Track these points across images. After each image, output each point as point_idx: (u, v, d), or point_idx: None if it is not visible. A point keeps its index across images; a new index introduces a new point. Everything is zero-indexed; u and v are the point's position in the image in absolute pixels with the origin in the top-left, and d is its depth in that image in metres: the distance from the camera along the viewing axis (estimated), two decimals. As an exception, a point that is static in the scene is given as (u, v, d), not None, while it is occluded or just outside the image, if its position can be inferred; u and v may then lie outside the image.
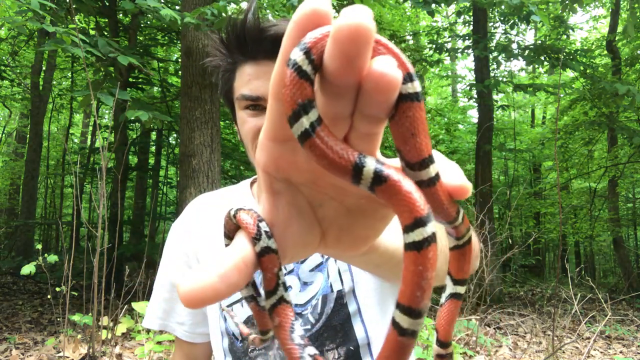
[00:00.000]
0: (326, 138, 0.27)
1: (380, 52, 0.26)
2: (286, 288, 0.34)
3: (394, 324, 0.28)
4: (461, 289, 0.39)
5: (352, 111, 0.28)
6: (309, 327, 0.86)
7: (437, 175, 0.29)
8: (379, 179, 0.27)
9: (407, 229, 0.26)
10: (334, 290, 0.87)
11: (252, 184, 1.04)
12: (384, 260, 0.51)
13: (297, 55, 0.26)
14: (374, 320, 0.88)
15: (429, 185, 0.29)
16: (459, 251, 0.37)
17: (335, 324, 0.86)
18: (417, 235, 0.26)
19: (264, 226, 0.32)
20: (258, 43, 0.80)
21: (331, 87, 0.26)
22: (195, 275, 0.28)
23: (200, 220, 1.03)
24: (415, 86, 0.27)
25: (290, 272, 0.90)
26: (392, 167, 0.27)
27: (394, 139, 0.28)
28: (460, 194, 0.31)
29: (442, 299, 0.39)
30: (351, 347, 0.86)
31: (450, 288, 0.39)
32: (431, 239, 0.26)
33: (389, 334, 0.28)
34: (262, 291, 0.35)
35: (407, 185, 0.26)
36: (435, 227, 0.27)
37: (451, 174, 0.32)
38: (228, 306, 0.92)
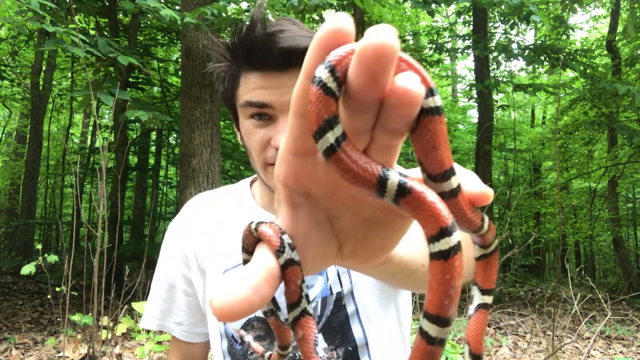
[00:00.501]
0: (351, 152, 0.27)
1: (402, 68, 0.27)
2: (309, 300, 0.34)
3: (422, 333, 0.28)
4: (489, 299, 0.39)
5: (373, 125, 0.29)
6: None
7: (458, 187, 0.30)
8: (403, 191, 0.27)
9: (433, 239, 0.27)
10: (334, 292, 0.88)
11: (251, 183, 1.04)
12: (399, 270, 0.51)
13: (322, 73, 0.27)
14: (372, 322, 0.88)
15: (451, 196, 0.30)
16: (485, 260, 0.38)
17: (334, 326, 0.87)
18: (443, 244, 0.27)
19: (286, 238, 0.32)
20: (267, 54, 0.77)
21: (354, 102, 0.27)
22: (228, 289, 0.28)
23: (199, 219, 1.02)
24: (437, 100, 0.27)
25: None
26: (415, 179, 0.28)
27: (415, 152, 0.29)
28: (482, 201, 0.32)
29: (471, 310, 0.39)
30: (349, 348, 0.86)
31: (478, 298, 0.39)
32: (457, 248, 0.27)
33: (418, 344, 0.29)
34: (282, 305, 0.35)
35: (431, 196, 0.27)
36: (460, 236, 0.27)
37: (471, 183, 0.32)
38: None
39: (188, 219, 1.03)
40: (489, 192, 0.32)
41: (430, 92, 0.27)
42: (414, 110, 0.26)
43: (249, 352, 0.90)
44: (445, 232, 0.27)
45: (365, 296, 0.88)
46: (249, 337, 0.70)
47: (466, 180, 0.32)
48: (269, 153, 0.82)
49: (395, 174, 0.28)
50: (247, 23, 0.79)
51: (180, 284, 1.01)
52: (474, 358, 0.39)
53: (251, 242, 0.35)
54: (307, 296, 0.34)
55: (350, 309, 0.87)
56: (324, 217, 0.35)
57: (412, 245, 0.52)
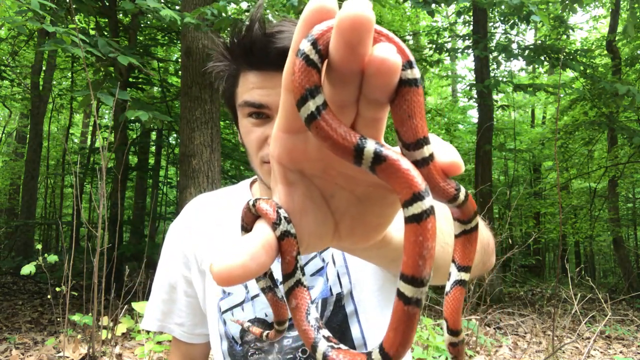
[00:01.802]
0: (330, 121, 0.29)
1: (381, 40, 0.29)
2: (303, 272, 0.36)
3: (399, 294, 0.29)
4: (465, 276, 0.40)
5: (357, 98, 0.30)
6: None
7: (431, 156, 0.31)
8: (379, 158, 0.29)
9: (407, 203, 0.28)
10: (334, 293, 0.88)
11: (251, 184, 1.04)
12: (398, 254, 0.51)
13: (305, 46, 0.28)
14: (370, 322, 0.89)
15: (423, 164, 0.31)
16: (465, 237, 0.39)
17: (334, 326, 0.87)
18: (416, 208, 0.28)
19: (282, 212, 0.34)
20: (264, 54, 0.78)
21: (337, 74, 0.28)
22: (227, 255, 0.29)
23: (199, 220, 1.02)
24: (415, 73, 0.29)
25: None
26: (391, 149, 0.29)
27: (394, 122, 0.30)
28: (453, 171, 0.33)
29: (447, 287, 0.40)
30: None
31: (454, 275, 0.40)
32: (430, 212, 0.28)
33: (395, 305, 0.30)
34: (279, 279, 0.36)
35: (405, 163, 0.29)
36: (432, 201, 0.28)
37: (444, 153, 0.33)
38: (228, 309, 0.92)
39: (188, 220, 1.03)
40: (459, 162, 0.33)
41: (409, 65, 0.28)
42: (392, 79, 0.27)
43: (250, 354, 0.90)
44: (418, 197, 0.28)
45: (365, 297, 0.89)
46: (247, 323, 0.72)
47: (439, 150, 0.33)
48: (266, 151, 0.83)
49: (372, 143, 0.29)
50: (246, 23, 0.79)
51: (181, 285, 1.02)
52: (452, 333, 0.40)
53: (250, 220, 0.36)
54: (302, 267, 0.35)
55: (349, 309, 0.88)
56: (319, 195, 0.36)
57: None
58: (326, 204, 0.36)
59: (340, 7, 0.27)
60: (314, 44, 0.28)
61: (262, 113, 0.82)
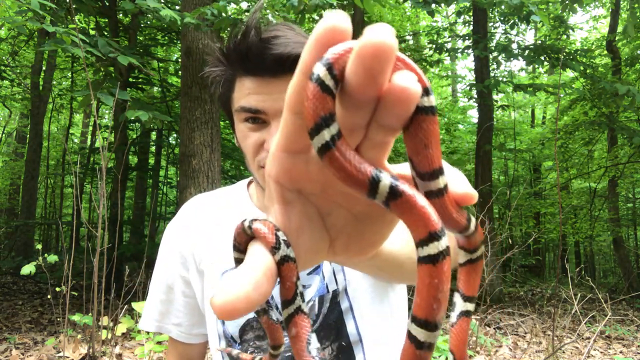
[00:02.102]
0: (345, 151, 0.28)
1: (399, 67, 0.27)
2: (304, 299, 0.34)
3: (411, 337, 0.28)
4: (471, 307, 0.38)
5: (368, 122, 0.29)
6: None
7: (445, 186, 0.30)
8: (394, 194, 0.28)
9: (422, 243, 0.27)
10: (330, 290, 0.89)
11: (248, 185, 1.04)
12: (387, 263, 0.52)
13: (320, 70, 0.27)
14: (365, 317, 0.90)
15: (437, 195, 0.30)
16: (470, 266, 0.38)
17: (330, 323, 0.88)
18: (432, 249, 0.27)
19: (281, 235, 0.32)
20: (260, 60, 0.79)
21: (352, 100, 0.27)
22: (228, 287, 0.28)
23: (197, 220, 1.02)
24: (431, 100, 0.28)
25: None
26: (406, 182, 0.28)
27: (407, 149, 0.29)
28: (466, 201, 0.32)
29: (453, 318, 0.39)
30: (343, 343, 0.88)
31: (460, 306, 0.39)
32: (446, 253, 0.27)
33: (406, 348, 0.29)
34: (277, 303, 0.35)
35: (421, 200, 0.28)
36: (448, 241, 0.27)
37: (457, 182, 0.33)
38: None
39: (186, 219, 1.04)
40: (473, 194, 0.33)
41: (426, 92, 0.28)
42: (410, 107, 0.27)
43: (248, 352, 0.90)
44: (434, 237, 0.27)
45: (358, 293, 0.90)
46: (235, 351, 0.72)
47: (452, 179, 0.33)
48: (262, 155, 0.84)
49: (387, 176, 0.28)
50: (243, 28, 0.80)
51: (178, 285, 1.02)
52: None
53: (243, 240, 0.35)
54: (301, 294, 0.34)
55: (344, 305, 0.89)
56: (316, 213, 0.35)
57: (398, 239, 0.53)
58: (322, 222, 0.36)
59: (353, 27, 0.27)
60: (330, 68, 0.27)
61: (258, 118, 0.83)
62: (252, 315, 0.90)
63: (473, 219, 0.34)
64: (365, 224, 0.36)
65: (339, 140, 0.27)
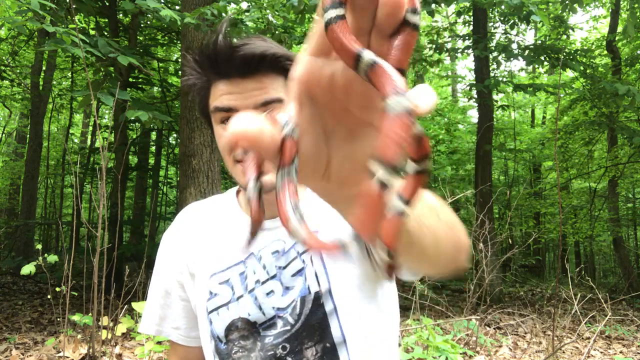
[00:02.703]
0: (343, 29, 0.36)
1: None
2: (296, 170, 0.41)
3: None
4: (408, 210, 0.39)
5: (370, 29, 0.36)
6: (288, 327, 0.90)
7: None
8: (372, 65, 0.35)
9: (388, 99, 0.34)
10: (312, 291, 0.91)
11: (237, 193, 1.07)
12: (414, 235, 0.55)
13: None
14: (350, 320, 0.91)
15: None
16: (415, 177, 0.41)
17: (313, 323, 0.90)
18: (396, 105, 0.33)
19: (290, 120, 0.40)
20: (229, 62, 0.85)
21: (359, 4, 0.35)
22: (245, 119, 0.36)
23: (190, 226, 1.07)
24: (417, 19, 0.35)
25: (273, 277, 0.93)
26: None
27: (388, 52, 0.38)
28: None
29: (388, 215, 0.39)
30: (327, 344, 0.90)
31: (396, 204, 0.39)
32: (408, 109, 0.33)
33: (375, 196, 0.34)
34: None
35: (390, 68, 0.34)
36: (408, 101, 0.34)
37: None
38: (214, 309, 0.95)
39: (180, 226, 1.08)
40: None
41: (414, 12, 0.35)
42: (398, 15, 0.34)
43: (233, 352, 0.93)
44: (398, 93, 0.34)
45: (344, 295, 0.91)
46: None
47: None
48: (237, 151, 0.89)
49: (369, 53, 0.35)
50: (213, 37, 0.87)
51: (175, 289, 1.05)
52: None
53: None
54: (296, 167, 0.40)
55: (328, 307, 0.90)
56: (320, 127, 0.41)
57: (421, 222, 0.56)
58: (324, 137, 0.41)
59: None
60: None
61: (231, 117, 0.86)
62: (237, 316, 0.93)
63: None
64: (359, 143, 0.40)
65: (340, 20, 0.36)
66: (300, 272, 0.93)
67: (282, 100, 0.86)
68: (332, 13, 0.35)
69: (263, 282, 0.93)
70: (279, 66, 0.87)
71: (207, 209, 1.08)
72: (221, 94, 0.87)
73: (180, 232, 1.07)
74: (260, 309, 0.92)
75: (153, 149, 10.46)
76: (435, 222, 0.58)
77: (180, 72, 6.18)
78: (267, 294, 0.92)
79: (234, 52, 0.84)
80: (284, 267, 0.93)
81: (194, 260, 1.01)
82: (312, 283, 0.91)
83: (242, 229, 0.99)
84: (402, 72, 0.36)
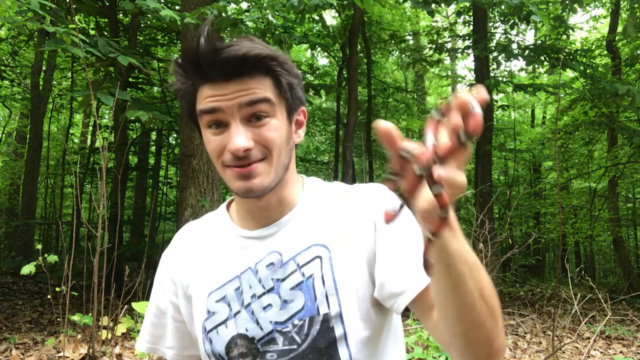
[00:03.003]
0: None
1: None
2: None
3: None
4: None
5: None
6: (294, 346, 0.88)
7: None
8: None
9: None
10: (321, 313, 0.88)
11: (228, 206, 1.06)
12: (448, 274, 0.66)
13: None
14: (359, 346, 0.89)
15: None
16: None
17: (321, 347, 0.88)
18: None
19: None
20: (212, 66, 0.83)
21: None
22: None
23: (185, 249, 1.05)
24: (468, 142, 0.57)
25: (270, 290, 0.91)
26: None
27: None
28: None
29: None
30: None
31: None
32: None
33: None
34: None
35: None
36: None
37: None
38: (213, 328, 0.94)
39: (176, 249, 1.07)
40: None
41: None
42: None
43: None
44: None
45: (353, 320, 0.89)
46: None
47: None
48: (226, 156, 0.86)
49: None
50: (195, 40, 0.84)
51: (170, 310, 1.05)
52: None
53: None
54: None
55: (338, 332, 0.88)
56: None
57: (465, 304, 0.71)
58: None
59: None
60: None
61: (219, 121, 0.86)
62: (235, 333, 0.92)
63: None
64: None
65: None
66: (299, 285, 0.90)
67: (268, 99, 0.84)
68: (417, 169, 0.56)
69: (259, 296, 0.91)
70: (263, 67, 0.85)
71: (201, 229, 1.06)
72: (205, 97, 0.86)
73: (176, 255, 1.06)
74: (258, 323, 0.90)
75: (153, 149, 10.46)
76: (486, 318, 0.74)
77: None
78: (264, 307, 0.90)
79: (216, 56, 0.82)
80: (283, 280, 0.91)
81: (189, 283, 1.00)
82: (322, 304, 0.89)
83: (234, 242, 0.97)
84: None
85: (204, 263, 1.00)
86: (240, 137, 0.83)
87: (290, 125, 0.92)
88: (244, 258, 0.95)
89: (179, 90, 0.91)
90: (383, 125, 0.57)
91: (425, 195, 0.58)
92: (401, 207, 0.61)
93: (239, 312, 0.92)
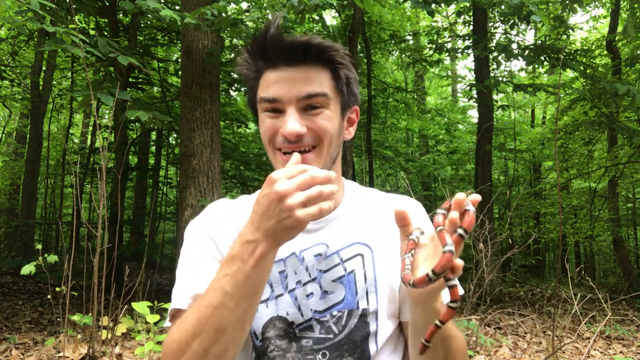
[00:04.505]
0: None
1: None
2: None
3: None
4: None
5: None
6: (331, 335, 0.91)
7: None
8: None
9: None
10: (360, 307, 0.93)
11: None
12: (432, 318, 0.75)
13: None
14: (383, 343, 0.94)
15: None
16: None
17: (356, 339, 0.91)
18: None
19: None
20: (277, 50, 0.88)
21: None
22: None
23: (223, 218, 1.01)
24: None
25: (314, 280, 0.94)
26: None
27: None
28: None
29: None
30: None
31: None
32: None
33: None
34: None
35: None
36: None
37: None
38: None
39: (215, 213, 1.04)
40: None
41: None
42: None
43: (269, 350, 0.92)
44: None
45: (384, 318, 0.94)
46: None
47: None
48: (279, 139, 0.90)
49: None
50: (265, 26, 0.89)
51: (208, 262, 0.99)
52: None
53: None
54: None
55: (372, 328, 0.92)
56: None
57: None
58: None
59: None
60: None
61: (276, 109, 0.90)
62: (275, 314, 0.92)
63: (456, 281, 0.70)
64: None
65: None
66: (340, 279, 0.93)
67: (325, 94, 0.88)
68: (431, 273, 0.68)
69: (304, 284, 0.93)
70: (324, 57, 0.88)
71: (239, 207, 1.04)
72: (268, 84, 0.89)
73: (214, 218, 1.02)
74: (300, 309, 0.92)
75: (153, 149, 10.45)
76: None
77: (180, 72, 6.17)
78: (307, 295, 0.92)
79: (282, 41, 0.86)
80: (325, 271, 0.94)
81: (223, 251, 0.97)
82: (362, 299, 0.93)
83: None
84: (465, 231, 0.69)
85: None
86: (294, 122, 0.86)
87: (342, 120, 0.95)
88: (288, 244, 0.90)
89: (244, 75, 0.95)
90: (399, 208, 0.75)
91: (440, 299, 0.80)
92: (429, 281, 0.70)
93: (281, 294, 0.94)
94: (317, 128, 0.88)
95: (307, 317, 0.91)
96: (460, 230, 0.68)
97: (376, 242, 0.97)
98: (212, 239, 0.99)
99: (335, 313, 0.92)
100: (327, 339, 0.90)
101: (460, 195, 0.70)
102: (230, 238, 0.97)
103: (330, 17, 13.28)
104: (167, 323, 1.02)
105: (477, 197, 0.69)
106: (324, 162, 0.90)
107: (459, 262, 0.67)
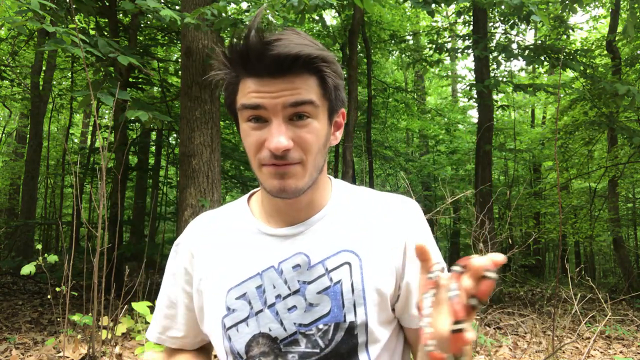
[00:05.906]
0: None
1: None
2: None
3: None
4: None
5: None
6: (317, 350, 0.88)
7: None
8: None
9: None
10: (347, 320, 0.89)
11: (249, 198, 1.04)
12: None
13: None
14: (378, 352, 0.91)
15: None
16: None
17: (342, 352, 0.89)
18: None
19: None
20: (260, 60, 0.81)
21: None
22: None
23: (200, 241, 1.02)
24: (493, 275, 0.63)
25: (296, 292, 0.90)
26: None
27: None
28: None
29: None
30: None
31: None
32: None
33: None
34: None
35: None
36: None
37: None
38: (233, 325, 0.92)
39: (191, 238, 1.04)
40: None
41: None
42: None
43: None
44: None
45: (376, 327, 0.91)
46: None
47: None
48: (263, 154, 0.84)
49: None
50: (245, 30, 0.81)
51: (181, 300, 1.02)
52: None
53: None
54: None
55: (361, 339, 0.89)
56: None
57: None
58: None
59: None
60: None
61: (260, 117, 0.84)
62: (257, 331, 0.90)
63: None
64: None
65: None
66: (326, 290, 0.90)
67: (312, 102, 0.83)
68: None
69: (284, 297, 0.90)
70: (312, 67, 0.83)
71: (219, 220, 1.03)
72: (249, 92, 0.83)
73: (191, 244, 1.02)
74: (282, 324, 0.89)
75: (153, 149, 10.45)
76: None
77: (180, 72, 6.17)
78: (289, 309, 0.89)
79: (266, 50, 0.79)
80: (310, 283, 0.90)
81: (202, 277, 0.97)
82: (349, 312, 0.89)
83: (254, 238, 0.95)
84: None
85: (220, 257, 0.97)
86: (281, 136, 0.81)
87: (329, 127, 0.91)
88: (265, 255, 0.93)
89: (221, 79, 0.89)
90: (419, 243, 0.70)
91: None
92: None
93: (261, 310, 0.91)
94: (304, 143, 0.83)
95: (290, 332, 0.89)
96: (473, 301, 0.61)
97: (364, 248, 0.92)
98: (187, 270, 1.01)
99: (321, 326, 0.88)
100: (313, 353, 0.88)
101: (478, 262, 0.61)
102: (209, 253, 0.98)
103: (330, 17, 13.30)
104: (147, 334, 1.06)
105: (501, 259, 0.60)
106: (309, 174, 0.86)
107: (470, 337, 0.64)
